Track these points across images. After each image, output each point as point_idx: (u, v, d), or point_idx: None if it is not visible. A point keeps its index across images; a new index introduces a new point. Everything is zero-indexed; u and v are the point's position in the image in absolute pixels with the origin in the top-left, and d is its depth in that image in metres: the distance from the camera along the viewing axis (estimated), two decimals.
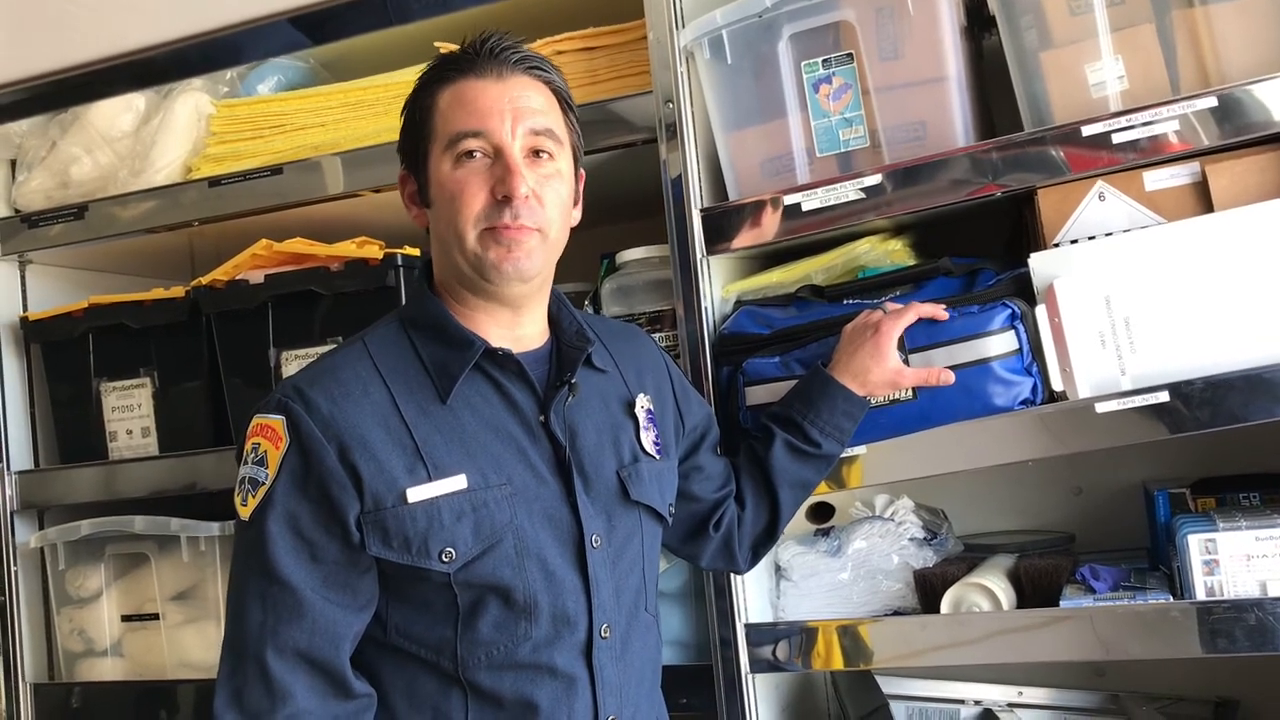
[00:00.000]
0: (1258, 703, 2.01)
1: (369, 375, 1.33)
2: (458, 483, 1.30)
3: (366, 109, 2.04)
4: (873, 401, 1.64)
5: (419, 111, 1.38)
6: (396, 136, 1.92)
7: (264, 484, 1.28)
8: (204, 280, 2.03)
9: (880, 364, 1.59)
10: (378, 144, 1.98)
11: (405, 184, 1.43)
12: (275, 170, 2.04)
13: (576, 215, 1.46)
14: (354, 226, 2.05)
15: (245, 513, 1.30)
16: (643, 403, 1.48)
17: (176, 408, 2.11)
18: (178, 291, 2.08)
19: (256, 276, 1.99)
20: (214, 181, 2.07)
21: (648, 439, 1.46)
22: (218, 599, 2.07)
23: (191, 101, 2.17)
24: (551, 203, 1.35)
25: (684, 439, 1.59)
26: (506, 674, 1.32)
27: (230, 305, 2.01)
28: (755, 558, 1.67)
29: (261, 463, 1.29)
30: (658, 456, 1.47)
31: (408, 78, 1.98)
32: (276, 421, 1.29)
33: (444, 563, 1.28)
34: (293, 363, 1.98)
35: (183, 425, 2.12)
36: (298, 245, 1.95)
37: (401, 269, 1.90)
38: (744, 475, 1.64)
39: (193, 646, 2.09)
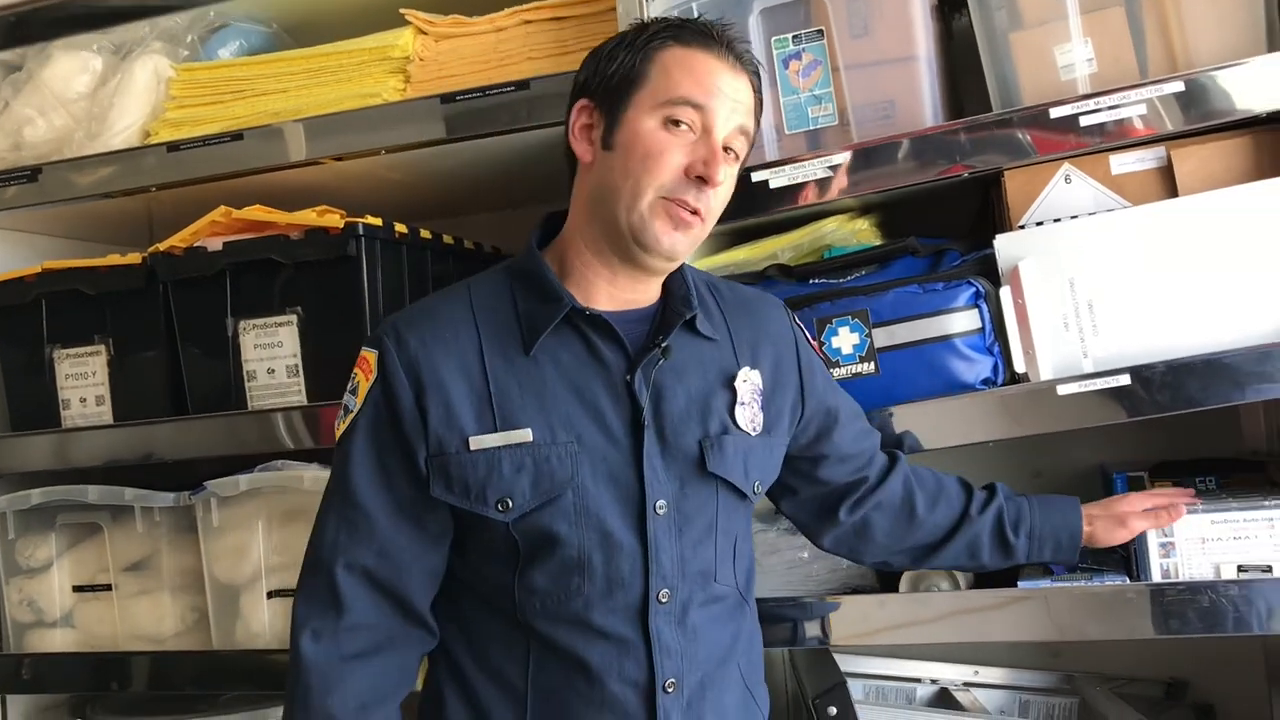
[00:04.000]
0: (1208, 683, 2.04)
1: (463, 319, 1.38)
2: (522, 435, 1.34)
3: (329, 76, 2.00)
4: (832, 375, 1.64)
5: (640, 55, 1.36)
6: (359, 104, 1.94)
7: (352, 412, 1.38)
8: (161, 247, 1.99)
9: (1112, 539, 1.59)
10: (340, 111, 1.95)
11: (582, 114, 1.41)
12: (236, 136, 2.00)
13: None
14: (315, 195, 2.02)
15: (337, 435, 1.40)
16: (746, 376, 1.45)
17: (132, 376, 2.08)
18: (134, 258, 2.04)
19: (215, 244, 1.95)
20: (173, 146, 2.03)
21: (743, 414, 1.44)
22: (172, 570, 2.04)
23: (151, 64, 2.13)
24: (722, 195, 1.38)
25: (805, 423, 1.54)
26: (560, 626, 1.36)
27: (188, 273, 1.97)
28: (885, 565, 1.66)
29: (354, 392, 1.39)
30: (752, 433, 1.45)
31: (371, 44, 1.98)
32: (371, 355, 1.38)
33: (500, 511, 1.33)
34: (251, 332, 1.95)
35: (138, 394, 2.08)
36: (257, 213, 1.92)
37: (363, 238, 1.87)
38: (939, 500, 1.60)
39: (145, 618, 2.06)
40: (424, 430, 1.34)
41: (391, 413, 1.35)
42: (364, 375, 1.38)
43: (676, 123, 1.33)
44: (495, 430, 1.33)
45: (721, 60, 1.35)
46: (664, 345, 1.38)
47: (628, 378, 1.37)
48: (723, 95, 1.34)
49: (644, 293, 1.43)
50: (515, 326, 1.38)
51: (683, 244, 1.35)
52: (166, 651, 2.04)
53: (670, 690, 1.36)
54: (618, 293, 1.41)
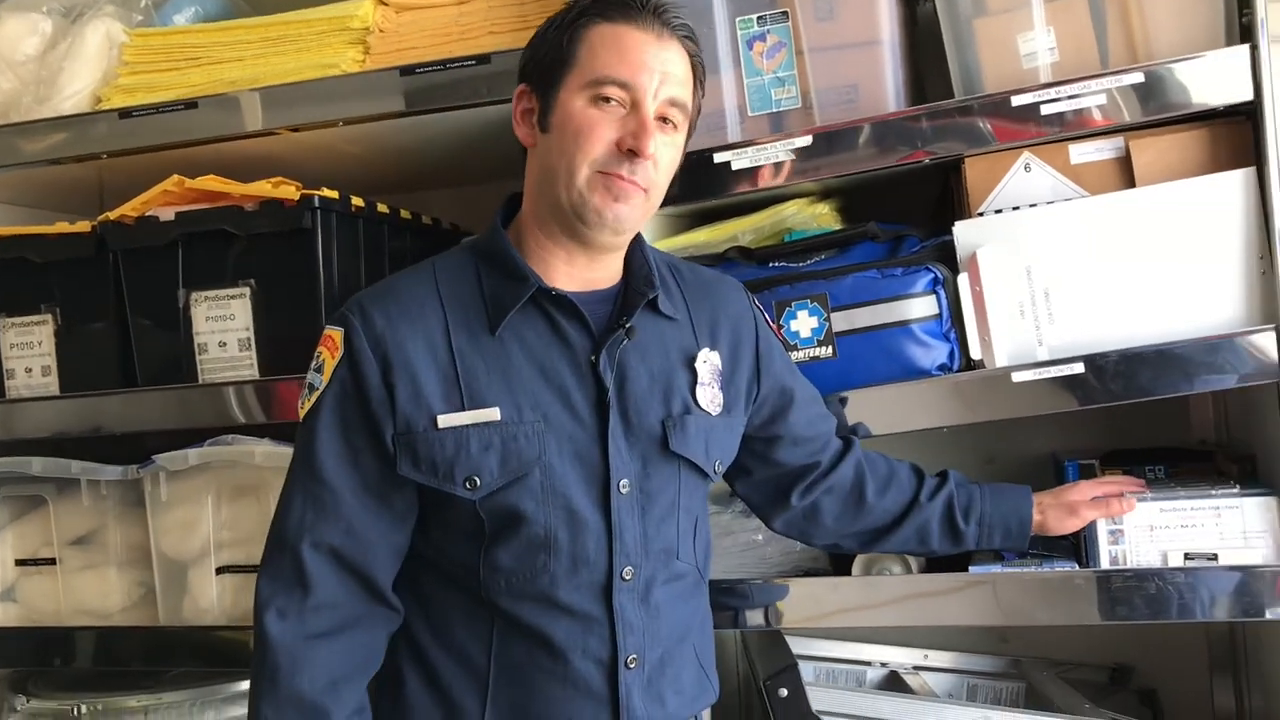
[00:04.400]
0: (1152, 668, 2.07)
1: (429, 298, 1.38)
2: (490, 414, 1.34)
3: (288, 45, 1.97)
4: (791, 359, 1.64)
5: (564, 37, 1.37)
6: (317, 74, 1.91)
7: (318, 390, 1.37)
8: (112, 215, 1.95)
9: (1063, 527, 1.60)
10: (298, 81, 1.92)
11: (521, 100, 1.42)
12: (190, 104, 1.96)
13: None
14: (271, 166, 1.99)
15: (301, 414, 1.40)
16: (706, 357, 1.47)
17: (80, 347, 2.04)
18: (84, 226, 1.99)
19: (167, 213, 1.92)
20: (125, 113, 1.99)
21: (704, 394, 1.45)
22: (118, 545, 2.01)
23: (103, 28, 2.08)
24: (664, 167, 1.38)
25: (761, 403, 1.55)
26: (525, 603, 1.36)
27: (139, 242, 1.94)
28: (835, 547, 1.69)
29: (320, 370, 1.38)
30: (713, 413, 1.45)
31: (330, 13, 1.94)
32: (337, 333, 1.37)
33: (467, 490, 1.34)
34: (203, 304, 1.91)
35: (86, 365, 2.04)
36: (211, 183, 1.88)
37: (319, 211, 1.84)
38: (890, 486, 1.61)
39: (91, 593, 2.03)
40: (391, 408, 1.34)
41: (358, 390, 1.34)
42: (329, 353, 1.37)
43: (605, 99, 1.33)
44: (463, 409, 1.34)
45: (647, 32, 1.35)
46: (628, 325, 1.39)
47: (592, 358, 1.37)
48: (649, 69, 1.34)
49: (603, 272, 1.43)
50: (480, 306, 1.38)
51: (627, 215, 1.35)
52: (112, 627, 2.01)
53: (632, 666, 1.38)
54: (577, 272, 1.41)
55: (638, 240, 1.48)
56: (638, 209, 1.36)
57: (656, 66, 1.34)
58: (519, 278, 1.37)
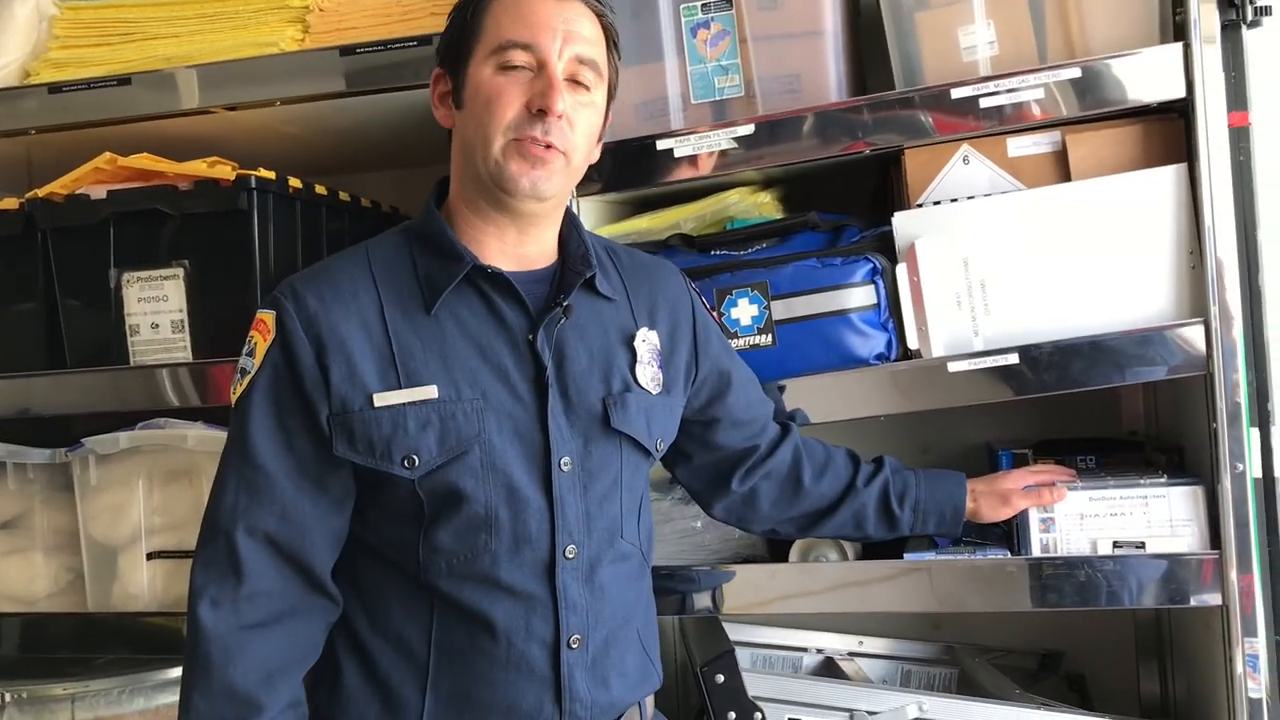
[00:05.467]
0: (1080, 655, 2.11)
1: (363, 279, 1.37)
2: (427, 392, 1.33)
3: (225, 21, 1.93)
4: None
5: (469, 14, 1.38)
6: (255, 52, 1.88)
7: (250, 373, 1.35)
8: (41, 193, 1.91)
9: (995, 515, 1.63)
10: (236, 59, 1.88)
11: (438, 83, 1.43)
12: (123, 80, 1.91)
13: (597, 153, 1.47)
14: (208, 146, 1.95)
15: (233, 399, 1.38)
16: (645, 337, 1.47)
17: (6, 327, 1.98)
18: (10, 203, 1.94)
19: (98, 192, 1.87)
20: (55, 88, 1.94)
21: (644, 373, 1.45)
22: (45, 530, 1.97)
23: (32, 1, 2.03)
24: (581, 129, 1.37)
25: (699, 385, 1.55)
26: (466, 585, 1.35)
27: (69, 221, 1.89)
28: (773, 533, 1.69)
29: (251, 354, 1.36)
30: (654, 391, 1.46)
31: None
32: (269, 316, 1.36)
33: (405, 468, 1.32)
34: (135, 284, 1.88)
35: (13, 346, 1.99)
36: (144, 161, 1.85)
37: (255, 192, 1.81)
38: (826, 471, 1.63)
39: (16, 578, 1.98)
40: (326, 389, 1.33)
41: (292, 372, 1.33)
42: (261, 336, 1.36)
43: (512, 66, 1.33)
44: (399, 387, 1.33)
45: None
46: (565, 304, 1.39)
47: (530, 337, 1.37)
48: (551, 29, 1.34)
49: (536, 248, 1.43)
50: (415, 287, 1.37)
51: (545, 181, 1.35)
52: (39, 613, 1.98)
53: (575, 646, 1.37)
54: (509, 249, 1.41)
55: (573, 222, 1.48)
56: (557, 174, 1.35)
57: (559, 25, 1.34)
58: (453, 257, 1.37)
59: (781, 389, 1.68)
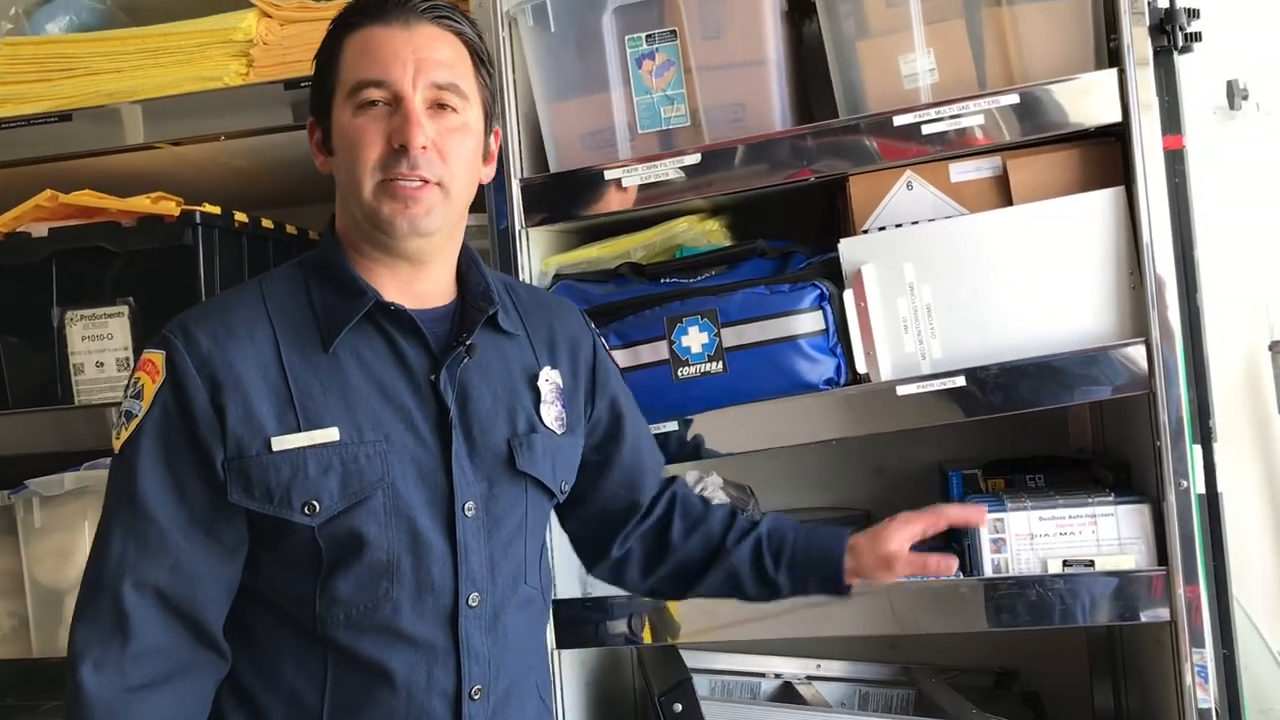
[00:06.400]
0: (1035, 673, 2.13)
1: (257, 317, 1.31)
2: (328, 435, 1.27)
3: (168, 56, 1.92)
4: (681, 374, 1.65)
5: (326, 58, 1.34)
6: (199, 87, 1.87)
7: (137, 416, 1.27)
8: None
9: (878, 578, 1.48)
10: (179, 94, 1.87)
11: (312, 131, 1.38)
12: (64, 116, 1.90)
13: (488, 172, 1.42)
14: (153, 181, 1.94)
15: (118, 445, 1.29)
16: (548, 376, 1.43)
17: None
18: None
19: (40, 229, 1.85)
20: None
21: (548, 413, 1.41)
22: None
23: None
24: (454, 156, 1.31)
25: (595, 421, 1.51)
26: (365, 636, 1.28)
27: (9, 260, 1.87)
28: (653, 593, 1.61)
29: (138, 396, 1.28)
30: (558, 431, 1.42)
31: (211, 25, 1.91)
32: (157, 356, 1.28)
33: (306, 515, 1.26)
34: (78, 323, 1.85)
35: None
36: (86, 198, 1.83)
37: (200, 227, 1.80)
38: (697, 529, 1.53)
39: None
40: (221, 432, 1.25)
41: (184, 415, 1.25)
42: (149, 378, 1.28)
43: (370, 103, 1.29)
44: (299, 429, 1.26)
45: (392, 25, 1.30)
46: (469, 343, 1.34)
47: (432, 377, 1.32)
48: (400, 60, 1.29)
49: (434, 285, 1.38)
50: (312, 322, 1.31)
51: (424, 218, 1.30)
52: None
53: (476, 698, 1.32)
54: (405, 287, 1.35)
55: (471, 257, 1.43)
56: (435, 208, 1.30)
57: (408, 55, 1.29)
58: (355, 292, 1.31)
59: (688, 423, 1.69)
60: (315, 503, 1.26)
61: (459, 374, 1.34)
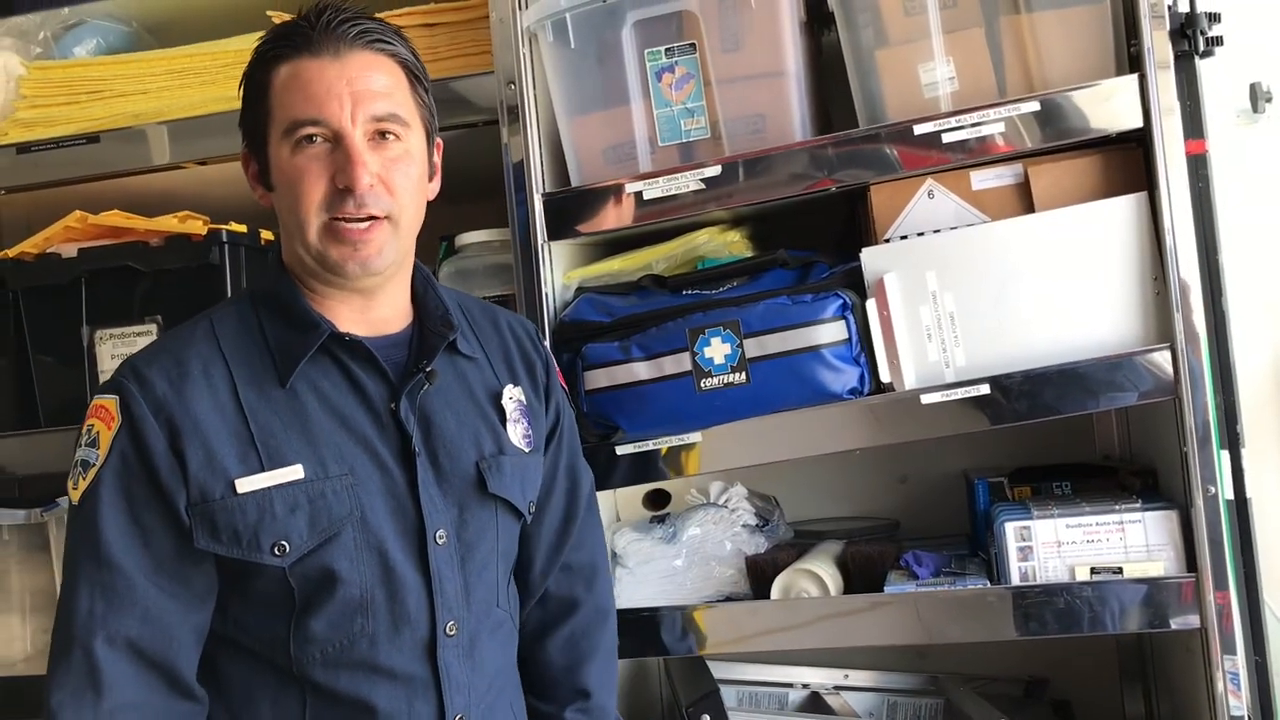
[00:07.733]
0: (1065, 681, 2.11)
1: (210, 355, 1.27)
2: (293, 473, 1.24)
3: (194, 77, 1.95)
4: (704, 385, 1.65)
5: (254, 90, 1.30)
6: (224, 107, 1.89)
7: (94, 465, 1.23)
8: (11, 253, 1.91)
9: None
10: (205, 114, 1.90)
11: (248, 164, 1.35)
12: (92, 138, 1.93)
13: (434, 188, 1.40)
14: (178, 200, 1.96)
15: (76, 495, 1.25)
16: (511, 393, 1.41)
17: None
18: None
19: (69, 250, 1.88)
20: (24, 148, 1.95)
21: (515, 431, 1.40)
22: (21, 591, 1.96)
23: (0, 61, 2.04)
24: (402, 187, 1.28)
25: (551, 435, 1.50)
26: (343, 672, 1.26)
27: (40, 280, 1.90)
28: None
29: (94, 444, 1.24)
30: (526, 450, 1.40)
31: (237, 46, 1.93)
32: (110, 402, 1.24)
33: (276, 556, 1.23)
34: (108, 342, 1.88)
35: None
36: (114, 218, 1.85)
37: (227, 246, 1.82)
38: (558, 682, 1.50)
39: None
40: (183, 477, 1.22)
41: (143, 462, 1.22)
42: (104, 424, 1.24)
43: (309, 139, 1.25)
44: (263, 469, 1.23)
45: (322, 57, 1.26)
46: (429, 370, 1.32)
47: (392, 406, 1.30)
48: (336, 95, 1.25)
49: (390, 312, 1.36)
50: (267, 358, 1.28)
51: (375, 258, 1.28)
52: (17, 676, 1.95)
53: None
54: (359, 315, 1.33)
55: (427, 279, 1.41)
56: (386, 244, 1.28)
57: (343, 90, 1.25)
58: (308, 324, 1.28)
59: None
60: (285, 543, 1.23)
61: (420, 400, 1.32)
